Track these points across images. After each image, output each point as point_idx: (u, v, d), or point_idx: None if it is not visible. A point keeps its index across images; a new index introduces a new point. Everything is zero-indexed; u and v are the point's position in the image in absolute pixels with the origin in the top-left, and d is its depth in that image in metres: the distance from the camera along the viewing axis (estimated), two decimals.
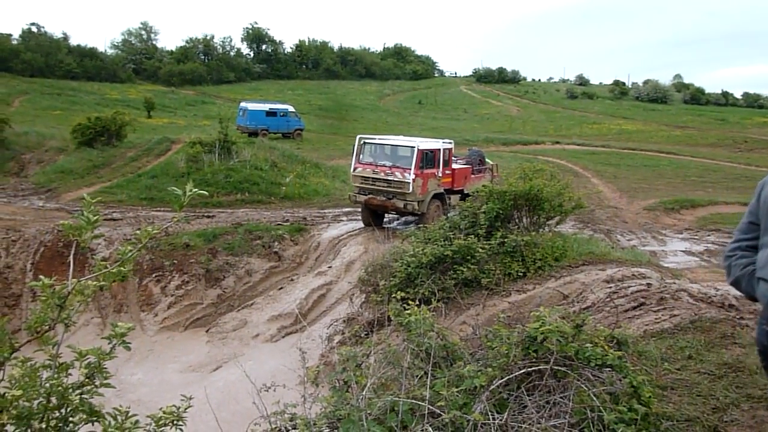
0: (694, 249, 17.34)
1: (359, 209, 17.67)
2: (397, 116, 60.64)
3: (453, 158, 18.79)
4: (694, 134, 50.59)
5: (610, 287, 8.70)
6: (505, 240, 10.04)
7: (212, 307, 13.49)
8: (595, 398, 3.87)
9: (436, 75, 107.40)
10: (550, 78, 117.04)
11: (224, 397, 9.05)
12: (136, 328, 2.70)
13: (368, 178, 16.68)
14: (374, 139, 17.48)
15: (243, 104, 38.57)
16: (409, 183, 15.77)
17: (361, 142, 17.16)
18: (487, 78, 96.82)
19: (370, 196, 16.62)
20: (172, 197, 2.70)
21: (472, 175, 19.30)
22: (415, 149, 15.96)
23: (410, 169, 15.76)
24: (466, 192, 18.32)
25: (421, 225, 14.09)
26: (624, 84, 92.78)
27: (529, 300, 8.68)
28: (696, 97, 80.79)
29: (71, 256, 2.78)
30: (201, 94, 63.88)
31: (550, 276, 9.67)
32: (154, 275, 13.76)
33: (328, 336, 10.99)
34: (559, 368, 4.13)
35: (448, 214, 14.90)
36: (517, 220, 11.20)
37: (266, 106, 38.21)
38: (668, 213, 22.11)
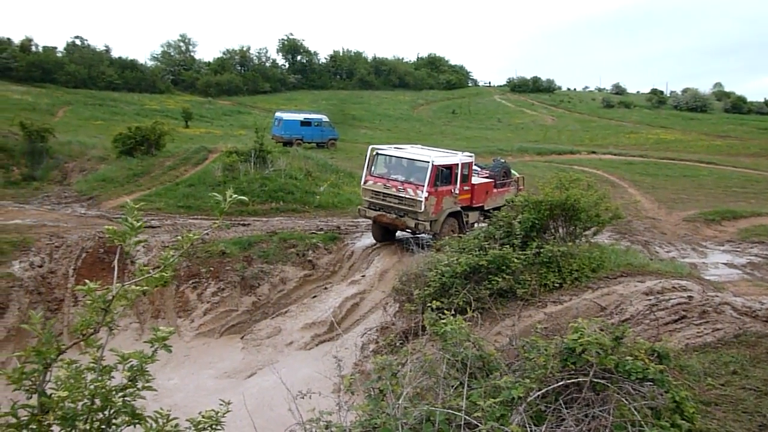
0: (737, 262, 16.86)
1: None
2: (431, 126, 60.61)
3: (475, 170, 17.67)
4: (735, 144, 49.38)
5: (650, 299, 8.52)
6: (541, 250, 9.93)
7: (247, 314, 13.62)
8: (636, 412, 3.79)
9: (470, 85, 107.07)
10: (586, 87, 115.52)
11: (259, 403, 9.11)
12: (174, 333, 2.77)
13: (379, 192, 15.50)
14: (387, 150, 16.35)
15: (278, 114, 39.03)
16: (421, 201, 14.52)
17: (374, 153, 16.08)
18: (521, 87, 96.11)
19: (380, 212, 15.50)
20: (213, 203, 2.74)
21: (495, 190, 17.94)
22: (430, 165, 14.67)
23: (423, 186, 14.54)
24: (487, 208, 17.23)
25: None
26: (662, 93, 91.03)
27: (565, 311, 8.55)
28: (737, 105, 78.69)
29: (115, 261, 2.84)
30: (237, 105, 64.86)
31: (587, 287, 9.52)
32: (190, 282, 13.96)
33: (362, 345, 10.99)
34: (599, 381, 4.06)
35: (465, 233, 14.23)
36: (553, 231, 11.07)
37: (301, 116, 38.61)
38: (709, 224, 21.55)
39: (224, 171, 21.30)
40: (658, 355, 4.65)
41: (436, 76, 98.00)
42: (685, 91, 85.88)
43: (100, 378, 2.63)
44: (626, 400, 3.94)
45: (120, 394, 2.65)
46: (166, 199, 19.38)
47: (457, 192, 15.62)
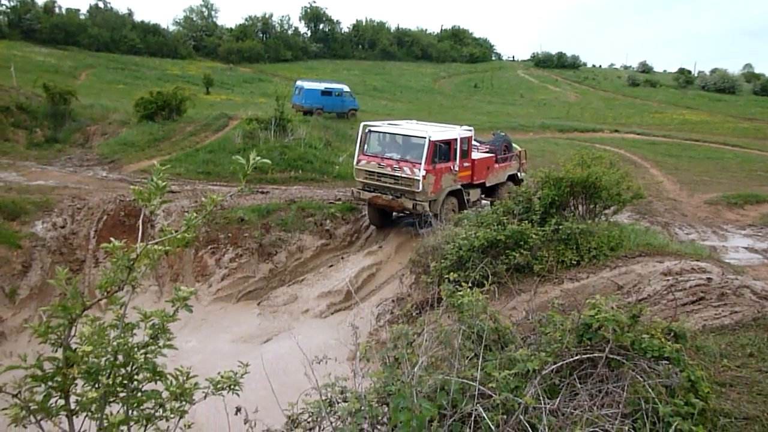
0: (758, 246, 16.65)
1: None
2: (452, 99, 60.05)
3: (474, 145, 16.83)
4: (763, 127, 48.27)
5: (668, 280, 8.46)
6: (560, 227, 9.87)
7: (264, 281, 13.76)
8: (650, 390, 3.79)
9: (493, 58, 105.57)
10: (612, 64, 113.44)
11: (273, 368, 9.25)
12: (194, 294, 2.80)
13: (373, 172, 14.63)
14: (381, 126, 15.39)
15: (299, 83, 38.84)
16: (419, 180, 13.67)
17: (366, 131, 15.11)
18: (545, 63, 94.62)
19: (375, 194, 14.65)
20: (236, 165, 2.75)
21: (497, 165, 17.12)
22: (427, 140, 13.75)
23: (420, 164, 13.70)
24: (489, 185, 16.74)
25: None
26: (690, 72, 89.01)
27: (582, 289, 8.53)
28: (767, 87, 76.89)
29: (140, 220, 2.87)
30: (258, 72, 64.66)
31: (604, 266, 9.47)
32: (209, 247, 14.12)
33: (378, 314, 11.08)
34: (614, 357, 4.06)
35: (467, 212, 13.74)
36: (572, 208, 10.99)
37: (322, 86, 38.37)
38: (731, 208, 21.23)
39: (244, 138, 21.36)
40: (675, 334, 4.63)
41: (460, 49, 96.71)
42: (713, 71, 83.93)
43: (122, 335, 2.68)
44: (641, 377, 3.94)
45: (142, 351, 2.70)
46: (186, 164, 19.50)
47: (456, 169, 14.80)
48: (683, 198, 22.69)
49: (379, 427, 3.79)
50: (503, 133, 20.29)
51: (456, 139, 14.85)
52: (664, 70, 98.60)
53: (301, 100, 36.25)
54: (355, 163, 15.21)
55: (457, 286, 4.96)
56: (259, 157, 2.78)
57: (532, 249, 9.59)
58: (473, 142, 18.18)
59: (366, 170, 14.81)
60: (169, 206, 14.91)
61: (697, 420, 3.65)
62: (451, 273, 5.42)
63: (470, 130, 15.88)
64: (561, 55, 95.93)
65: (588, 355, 4.06)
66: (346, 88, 39.27)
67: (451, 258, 9.60)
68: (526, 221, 10.04)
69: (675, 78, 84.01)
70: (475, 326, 4.47)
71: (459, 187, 15.09)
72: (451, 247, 9.86)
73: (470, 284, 4.95)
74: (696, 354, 5.26)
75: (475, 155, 16.29)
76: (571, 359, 4.03)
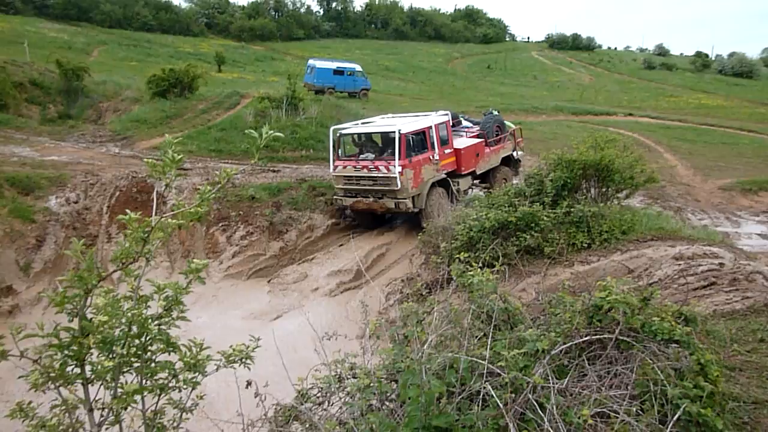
0: None
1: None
2: (465, 80, 59.64)
3: (465, 128, 16.32)
4: None
5: (680, 264, 8.42)
6: (572, 210, 9.84)
7: (274, 259, 13.83)
8: (659, 372, 3.79)
9: (507, 39, 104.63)
10: (627, 47, 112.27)
11: (283, 345, 9.29)
12: (207, 266, 2.82)
13: (351, 177, 13.91)
14: (351, 128, 14.68)
15: (311, 62, 38.71)
16: (395, 177, 12.94)
17: (337, 135, 14.32)
18: (560, 44, 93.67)
19: (356, 198, 14.03)
20: (250, 139, 2.76)
21: (488, 149, 16.17)
22: (397, 134, 12.94)
23: (394, 160, 13.02)
24: (479, 172, 15.83)
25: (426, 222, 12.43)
26: (707, 56, 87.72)
27: (592, 272, 8.51)
28: None
29: (154, 194, 2.89)
30: (270, 50, 64.46)
31: (616, 249, 9.43)
32: (220, 224, 14.18)
33: (387, 294, 11.13)
34: (624, 339, 4.06)
35: (459, 201, 13.35)
36: (584, 191, 10.93)
37: (334, 65, 38.22)
38: (745, 194, 21.05)
39: (256, 117, 21.32)
40: (685, 318, 4.62)
41: (473, 29, 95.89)
42: (731, 55, 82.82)
43: (136, 306, 2.71)
44: (650, 359, 3.94)
45: (155, 322, 2.74)
46: (198, 142, 19.52)
47: (437, 158, 14.02)
48: (697, 183, 22.52)
49: (387, 403, 3.83)
50: (495, 112, 19.11)
51: (429, 127, 14.07)
52: (681, 54, 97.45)
53: (313, 79, 36.15)
54: (331, 170, 14.41)
55: (468, 266, 4.97)
56: (272, 131, 2.79)
57: (543, 231, 9.57)
58: (465, 123, 17.67)
59: (343, 176, 14.10)
60: (181, 183, 14.97)
61: (706, 403, 3.65)
62: (462, 253, 5.42)
63: (446, 114, 15.16)
64: (576, 37, 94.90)
65: (598, 337, 4.06)
66: (358, 68, 39.10)
67: (462, 239, 9.61)
68: (538, 203, 10.01)
69: (692, 61, 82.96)
70: (484, 306, 4.48)
71: (444, 176, 14.31)
72: (461, 228, 9.86)
73: (480, 265, 4.96)
74: (706, 338, 5.24)
75: (462, 142, 15.53)
76: (581, 340, 4.04)
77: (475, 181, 15.91)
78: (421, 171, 13.55)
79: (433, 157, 13.90)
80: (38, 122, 22.66)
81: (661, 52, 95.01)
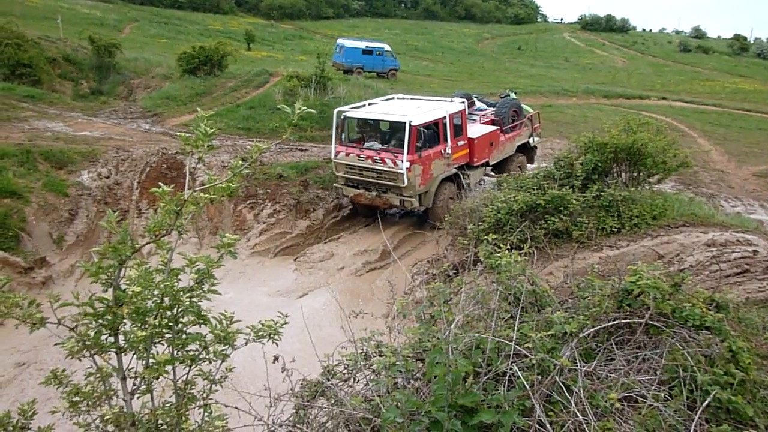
0: None
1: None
2: (494, 61, 58.87)
3: (479, 110, 15.24)
4: None
5: (712, 251, 8.29)
6: (602, 193, 9.72)
7: (301, 238, 13.93)
8: (689, 358, 3.74)
9: (539, 20, 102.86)
10: (663, 29, 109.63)
11: (309, 322, 9.41)
12: (239, 240, 2.82)
13: (354, 167, 12.96)
14: (357, 111, 13.50)
15: (340, 41, 38.55)
16: (402, 173, 12.01)
17: (341, 117, 13.25)
18: (593, 26, 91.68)
19: (359, 191, 13.12)
20: (282, 114, 2.75)
21: (503, 137, 15.04)
22: (407, 125, 11.87)
23: (402, 154, 12.02)
24: (493, 163, 14.89)
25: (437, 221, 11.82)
26: (745, 39, 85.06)
27: (621, 257, 8.40)
28: None
29: (187, 168, 2.91)
30: (299, 29, 64.29)
31: (646, 234, 9.31)
32: (248, 202, 14.31)
33: (413, 275, 11.14)
34: (654, 324, 4.01)
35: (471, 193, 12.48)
36: (615, 175, 10.78)
37: (363, 44, 38.00)
38: None
39: (284, 95, 21.37)
40: (717, 305, 4.55)
41: (504, 10, 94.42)
42: None
43: (169, 278, 2.75)
44: (680, 345, 3.89)
45: (187, 294, 2.77)
46: (227, 120, 19.65)
47: (449, 152, 12.95)
48: (731, 169, 21.99)
49: (413, 381, 3.84)
50: (512, 94, 17.66)
51: (444, 118, 12.91)
52: (719, 36, 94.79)
53: (342, 59, 36.02)
54: (333, 156, 13.44)
55: (495, 248, 4.95)
56: (304, 108, 2.78)
57: (572, 215, 9.47)
58: (479, 104, 16.61)
59: (345, 164, 13.14)
60: (210, 160, 15.09)
61: (737, 390, 3.60)
62: (489, 235, 5.39)
63: (463, 102, 14.00)
64: (610, 18, 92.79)
65: (627, 321, 4.02)
66: (387, 48, 38.82)
67: (489, 221, 9.57)
68: (567, 186, 9.90)
69: (729, 44, 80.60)
70: (512, 288, 4.46)
71: (454, 171, 13.38)
72: (489, 210, 9.81)
73: (508, 247, 4.92)
74: (738, 325, 5.15)
75: (476, 130, 14.33)
76: (609, 324, 4.00)
77: (486, 171, 15.04)
78: (430, 167, 12.61)
79: (444, 150, 12.91)
80: (71, 98, 22.99)
81: (698, 34, 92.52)
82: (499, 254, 4.76)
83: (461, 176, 13.58)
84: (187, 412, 2.86)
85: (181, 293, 2.74)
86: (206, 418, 2.91)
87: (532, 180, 10.66)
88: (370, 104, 14.23)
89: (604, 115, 27.27)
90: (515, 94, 18.32)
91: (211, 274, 2.81)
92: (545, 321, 4.04)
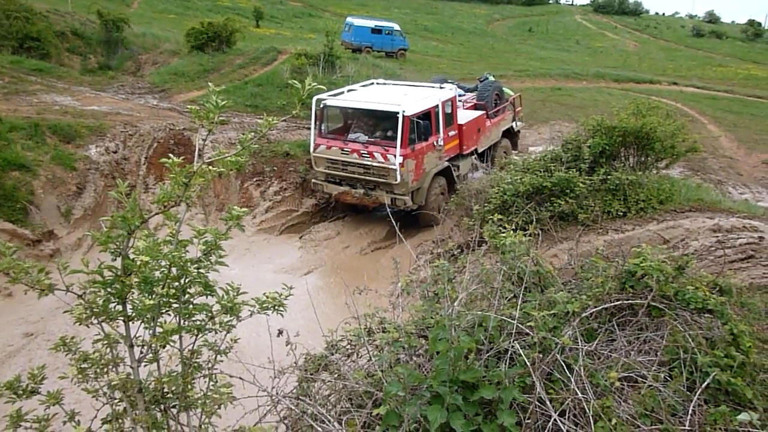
0: None
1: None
2: (505, 43, 58.32)
3: (459, 98, 13.96)
4: None
5: (717, 236, 8.29)
6: (609, 177, 9.71)
7: (306, 216, 13.97)
8: (690, 340, 3.77)
9: (550, 2, 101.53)
10: (676, 13, 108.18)
11: (313, 299, 9.49)
12: (234, 229, 2.82)
13: (337, 161, 11.93)
14: (339, 99, 12.30)
15: (349, 19, 38.29)
16: (395, 169, 11.09)
17: (321, 106, 12.02)
18: (605, 8, 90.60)
19: (344, 188, 12.10)
20: (294, 89, 2.77)
21: (488, 122, 14.27)
22: (400, 116, 10.96)
23: (395, 148, 11.09)
24: (481, 150, 14.08)
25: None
26: (760, 25, 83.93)
27: (626, 240, 8.40)
28: None
29: (197, 139, 2.93)
30: (308, 7, 63.69)
31: (652, 218, 9.31)
32: (255, 179, 14.34)
33: (417, 254, 11.18)
34: (656, 306, 4.04)
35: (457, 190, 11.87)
36: (623, 158, 10.76)
37: (372, 23, 37.75)
38: None
39: (292, 73, 21.29)
40: (720, 289, 4.56)
41: None
42: None
43: (177, 249, 2.78)
44: (682, 327, 3.92)
45: (195, 265, 2.81)
46: (235, 97, 19.57)
47: (441, 143, 12.04)
48: (740, 156, 21.85)
49: (415, 358, 3.89)
50: (492, 77, 17.05)
51: (437, 106, 12.06)
52: (733, 21, 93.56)
53: (351, 37, 35.82)
54: (312, 149, 12.32)
55: (501, 228, 4.97)
56: (314, 83, 2.79)
57: (578, 197, 9.48)
58: (458, 90, 15.46)
59: (327, 158, 12.07)
60: (217, 137, 15.11)
61: (736, 372, 3.63)
62: (495, 215, 5.42)
63: (452, 89, 13.29)
64: (622, 1, 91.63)
65: (629, 302, 4.05)
66: (396, 27, 38.56)
67: (495, 202, 9.59)
68: (574, 169, 9.88)
69: (743, 30, 79.47)
70: (516, 268, 4.48)
71: (446, 164, 12.48)
72: (495, 191, 9.83)
73: (513, 228, 4.94)
74: (740, 310, 5.17)
75: (461, 117, 13.39)
76: (612, 304, 4.03)
77: (474, 161, 14.08)
78: (423, 161, 11.72)
79: (437, 142, 12.02)
80: (79, 72, 22.98)
81: (712, 19, 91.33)
82: (503, 234, 4.78)
83: (452, 170, 12.75)
84: (192, 381, 2.91)
85: (189, 264, 2.78)
86: (211, 387, 2.97)
87: (539, 162, 10.64)
88: (349, 91, 13.20)
89: (614, 99, 26.98)
90: (493, 76, 17.76)
91: (218, 246, 2.84)
92: (548, 300, 4.07)
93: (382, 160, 11.24)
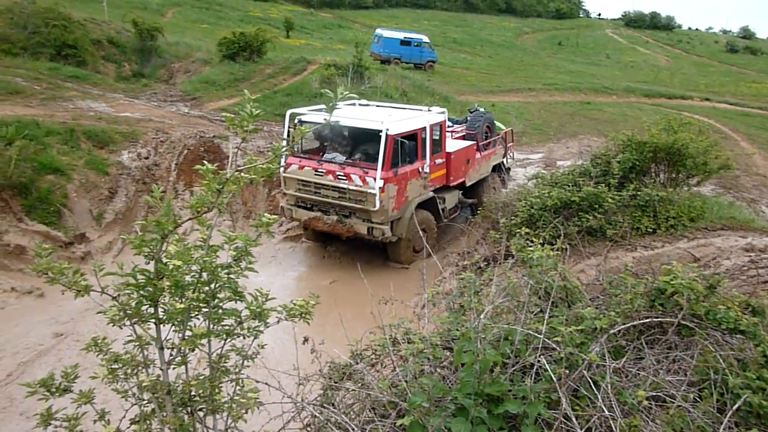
0: None
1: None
2: (534, 56, 58.16)
3: (447, 129, 12.65)
4: None
5: (750, 256, 8.12)
6: (638, 193, 9.59)
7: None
8: (721, 361, 3.70)
9: (581, 15, 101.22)
10: (710, 28, 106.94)
11: (338, 307, 9.51)
12: (262, 236, 2.84)
13: (309, 183, 10.81)
14: (314, 115, 10.75)
15: (378, 31, 38.57)
16: (374, 194, 9.98)
17: (295, 121, 10.64)
18: (637, 22, 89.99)
19: (315, 214, 11.04)
20: (326, 99, 2.80)
21: (479, 154, 13.25)
22: (384, 135, 9.89)
23: (376, 170, 9.98)
24: (469, 183, 13.04)
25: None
26: None
27: (656, 258, 8.29)
28: None
29: (231, 147, 2.98)
30: (338, 18, 64.36)
31: (682, 236, 9.16)
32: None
33: (444, 266, 11.14)
34: (686, 324, 3.97)
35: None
36: (653, 174, 10.63)
37: (401, 35, 37.99)
38: None
39: (321, 83, 21.50)
40: (753, 309, 4.47)
41: (546, 4, 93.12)
42: None
43: (207, 254, 2.83)
44: (713, 347, 3.85)
45: (225, 271, 2.85)
46: (264, 106, 19.73)
47: (427, 170, 10.98)
48: None
49: (440, 369, 3.88)
50: (482, 108, 16.18)
51: (424, 128, 10.98)
52: None
53: (380, 49, 36.06)
54: (282, 169, 11.00)
55: (529, 241, 4.94)
56: (347, 92, 2.83)
57: (606, 213, 9.37)
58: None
59: (299, 179, 10.97)
60: (246, 145, 15.27)
61: None
62: (522, 229, 5.39)
63: (443, 113, 12.02)
64: (654, 15, 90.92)
65: (659, 320, 3.99)
66: (425, 39, 38.73)
67: (522, 215, 9.53)
68: (603, 185, 9.79)
69: None
70: (543, 282, 4.45)
71: (431, 194, 11.39)
72: (522, 205, 9.77)
73: (540, 242, 4.92)
74: None
75: (450, 145, 12.32)
76: (641, 322, 3.98)
77: (461, 196, 13.06)
78: (406, 187, 10.65)
79: (422, 168, 10.96)
80: (114, 79, 23.48)
81: (746, 34, 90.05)
82: (531, 248, 4.76)
83: (437, 202, 11.68)
84: (219, 385, 2.95)
85: (219, 269, 2.82)
86: (238, 392, 3.00)
87: (567, 176, 10.56)
88: (319, 110, 11.60)
89: (644, 114, 26.76)
90: (484, 108, 17.04)
91: (248, 252, 2.89)
92: (575, 316, 4.04)
93: (360, 184, 10.14)
